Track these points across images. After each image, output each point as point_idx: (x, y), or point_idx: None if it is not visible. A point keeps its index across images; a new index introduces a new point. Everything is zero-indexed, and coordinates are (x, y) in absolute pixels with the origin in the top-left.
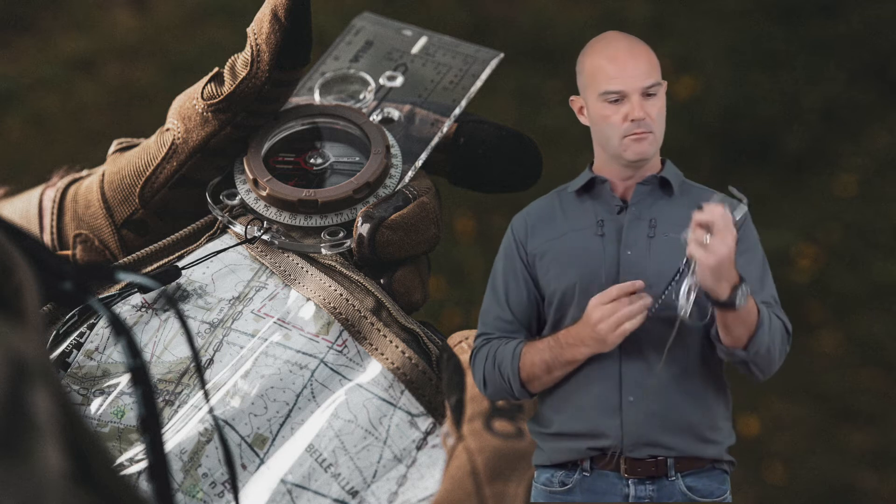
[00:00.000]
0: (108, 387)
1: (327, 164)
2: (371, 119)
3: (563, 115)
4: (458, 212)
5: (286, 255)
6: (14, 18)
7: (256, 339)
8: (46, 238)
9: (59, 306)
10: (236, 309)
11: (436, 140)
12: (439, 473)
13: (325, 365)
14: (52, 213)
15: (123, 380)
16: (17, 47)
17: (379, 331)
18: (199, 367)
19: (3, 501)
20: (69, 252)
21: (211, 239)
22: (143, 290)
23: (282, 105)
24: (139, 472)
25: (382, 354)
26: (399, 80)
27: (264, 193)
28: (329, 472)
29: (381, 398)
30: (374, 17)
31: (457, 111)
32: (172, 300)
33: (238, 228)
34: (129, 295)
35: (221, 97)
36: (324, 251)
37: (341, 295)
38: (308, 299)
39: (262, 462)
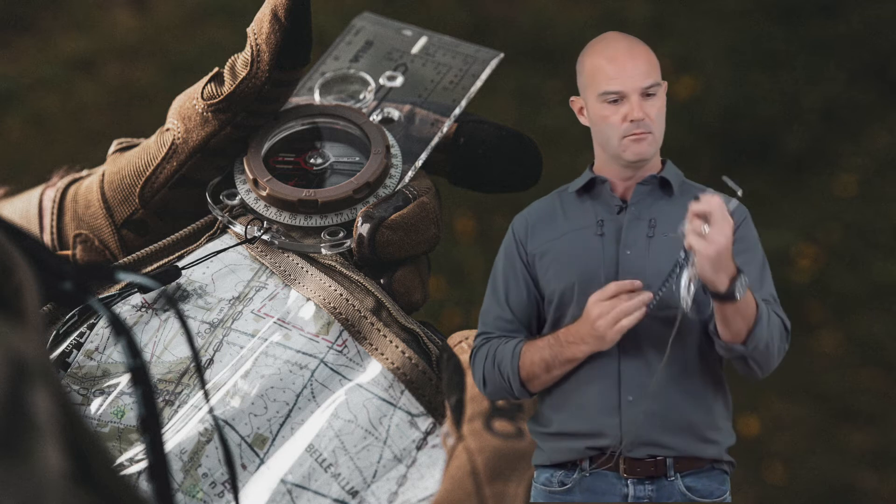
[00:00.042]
0: (108, 387)
1: (327, 164)
2: (371, 119)
3: (563, 115)
4: (458, 212)
5: (286, 255)
6: (14, 18)
7: (256, 339)
8: (46, 238)
9: (59, 306)
10: (236, 309)
11: (436, 140)
12: (439, 473)
13: (325, 365)
14: (52, 213)
15: (123, 380)
16: (17, 47)
17: (379, 331)
18: (199, 367)
19: (3, 501)
20: (69, 252)
21: (211, 239)
22: (143, 290)
23: (282, 105)
24: (139, 472)
25: (382, 354)
26: (399, 80)
27: (264, 193)
28: (329, 472)
29: (381, 398)
30: (374, 17)
31: (457, 111)
32: (172, 300)
33: (238, 228)
34: (129, 295)
35: (221, 97)
36: (324, 251)
37: (341, 295)
38: (308, 299)
39: (262, 462)
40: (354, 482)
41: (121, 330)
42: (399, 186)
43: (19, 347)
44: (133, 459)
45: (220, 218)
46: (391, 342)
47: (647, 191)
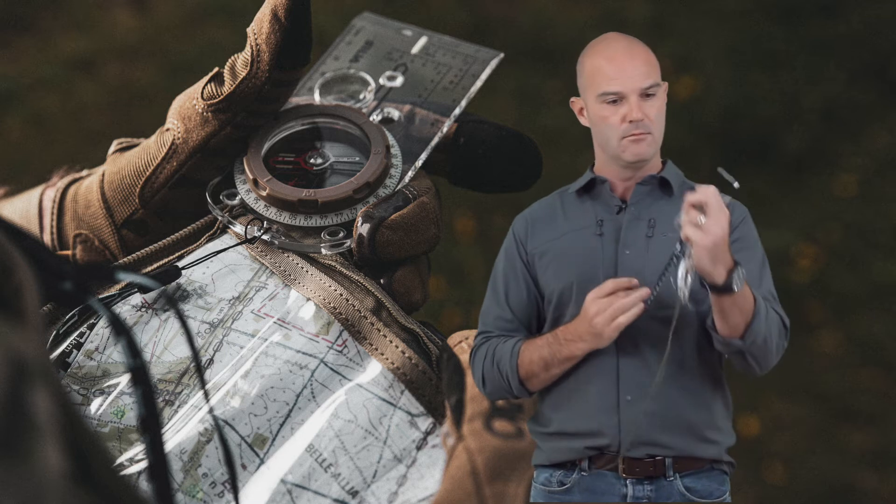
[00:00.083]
0: (108, 387)
1: (327, 164)
2: (371, 119)
3: (563, 115)
4: (458, 212)
5: (286, 255)
6: (14, 18)
7: (256, 339)
8: (46, 238)
9: (59, 306)
10: (236, 309)
11: (436, 140)
12: (439, 473)
13: (325, 365)
14: (52, 213)
15: (123, 380)
16: (17, 47)
17: (379, 331)
18: (199, 367)
19: (3, 501)
20: (69, 252)
21: (211, 239)
22: (143, 290)
23: (282, 105)
24: (139, 472)
25: (382, 354)
26: (399, 80)
27: (264, 193)
28: (329, 472)
29: (381, 398)
30: (374, 17)
31: (457, 111)
32: (172, 300)
33: (238, 228)
34: (129, 295)
35: (221, 97)
36: (324, 251)
37: (341, 295)
38: (308, 299)
39: (262, 462)
40: (354, 482)
41: (121, 330)
42: (399, 186)
43: (19, 347)
44: (133, 459)
45: (220, 218)
46: (391, 342)
47: (647, 191)
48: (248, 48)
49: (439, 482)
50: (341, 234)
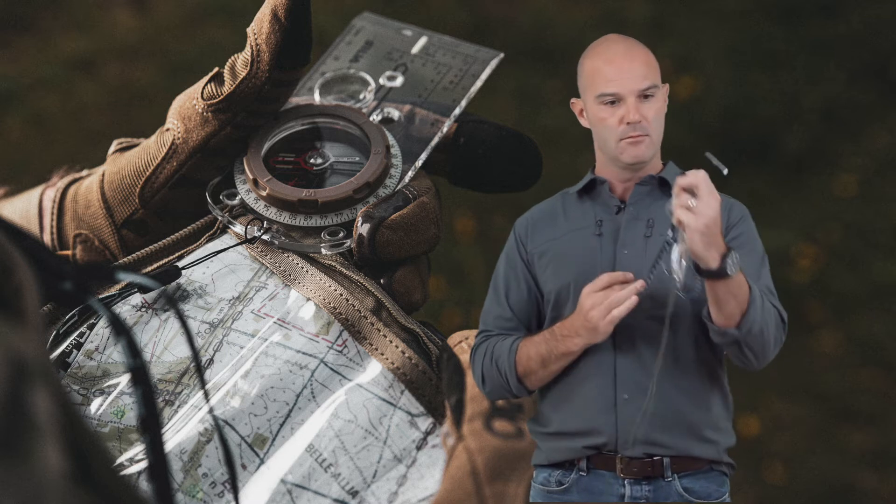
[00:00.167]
0: (108, 387)
1: (327, 164)
2: (371, 119)
3: (563, 115)
4: (458, 212)
5: (286, 255)
6: (14, 18)
7: (256, 339)
8: (46, 238)
9: (59, 306)
10: (236, 309)
11: (436, 140)
12: (439, 473)
13: (325, 365)
14: (52, 213)
15: (123, 380)
16: (17, 47)
17: (379, 331)
18: (199, 367)
19: (3, 501)
20: (69, 252)
21: (211, 239)
22: (143, 290)
23: (282, 105)
24: (139, 472)
25: (382, 354)
26: (399, 80)
27: (264, 193)
28: (329, 472)
29: (381, 398)
30: (374, 17)
31: (457, 111)
32: (172, 300)
33: (238, 228)
34: (129, 295)
35: (221, 97)
36: (324, 251)
37: (341, 295)
38: (308, 299)
39: (262, 462)
40: (354, 482)
41: (121, 330)
42: (399, 186)
43: (19, 347)
44: (133, 459)
45: (220, 218)
46: (391, 342)
47: (646, 191)
48: (248, 48)
49: (439, 482)
50: (341, 234)
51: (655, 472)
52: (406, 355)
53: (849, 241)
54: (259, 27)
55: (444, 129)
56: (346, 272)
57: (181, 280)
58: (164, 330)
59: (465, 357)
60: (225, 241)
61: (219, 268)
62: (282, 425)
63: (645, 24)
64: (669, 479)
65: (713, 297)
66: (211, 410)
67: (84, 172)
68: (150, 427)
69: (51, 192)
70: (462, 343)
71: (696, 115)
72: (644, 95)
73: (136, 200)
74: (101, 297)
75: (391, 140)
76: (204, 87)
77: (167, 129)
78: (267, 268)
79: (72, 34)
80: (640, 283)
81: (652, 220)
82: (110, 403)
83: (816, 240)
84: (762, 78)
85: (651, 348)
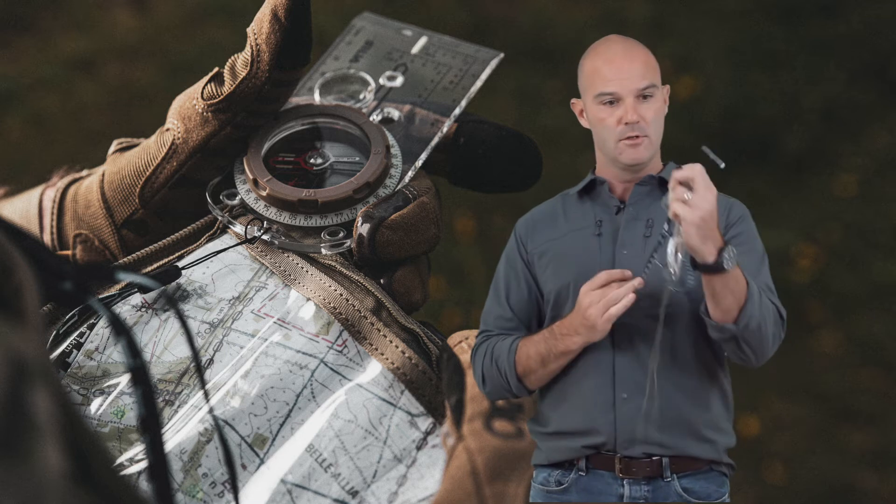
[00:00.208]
0: (108, 387)
1: (327, 164)
2: (371, 119)
3: (563, 115)
4: (458, 212)
5: (286, 255)
6: (14, 18)
7: (256, 339)
8: (46, 238)
9: (59, 306)
10: (236, 309)
11: (436, 140)
12: (439, 473)
13: (325, 365)
14: (52, 213)
15: (123, 380)
16: (17, 47)
17: (379, 331)
18: (199, 367)
19: (3, 501)
20: (69, 252)
21: (211, 239)
22: (143, 290)
23: (282, 105)
24: (139, 472)
25: (382, 354)
26: (399, 80)
27: (264, 193)
28: (329, 472)
29: (381, 398)
30: (374, 17)
31: (457, 111)
32: (172, 300)
33: (238, 228)
34: (129, 295)
35: (221, 97)
36: (324, 251)
37: (341, 295)
38: (308, 299)
39: (262, 462)
40: (354, 482)
41: (121, 330)
42: (399, 186)
43: (19, 347)
44: (133, 459)
45: (220, 218)
46: (391, 342)
47: (646, 191)
48: (248, 48)
49: (439, 482)
50: (341, 234)
51: (654, 473)
52: (406, 355)
53: (849, 241)
54: (259, 27)
55: (444, 129)
56: (346, 272)
57: (181, 280)
58: (164, 330)
59: (465, 357)
60: (225, 241)
61: (219, 268)
62: (282, 425)
63: (645, 24)
64: (668, 479)
65: (710, 292)
66: (211, 410)
67: (84, 172)
68: (150, 427)
69: (51, 192)
70: (462, 343)
71: (696, 115)
72: (643, 95)
73: (136, 200)
74: (101, 297)
75: (391, 140)
76: (204, 87)
77: (167, 129)
78: (267, 268)
79: (72, 34)
80: (637, 281)
81: (651, 221)
82: (110, 403)
83: (816, 240)
84: (762, 78)
85: (649, 347)
